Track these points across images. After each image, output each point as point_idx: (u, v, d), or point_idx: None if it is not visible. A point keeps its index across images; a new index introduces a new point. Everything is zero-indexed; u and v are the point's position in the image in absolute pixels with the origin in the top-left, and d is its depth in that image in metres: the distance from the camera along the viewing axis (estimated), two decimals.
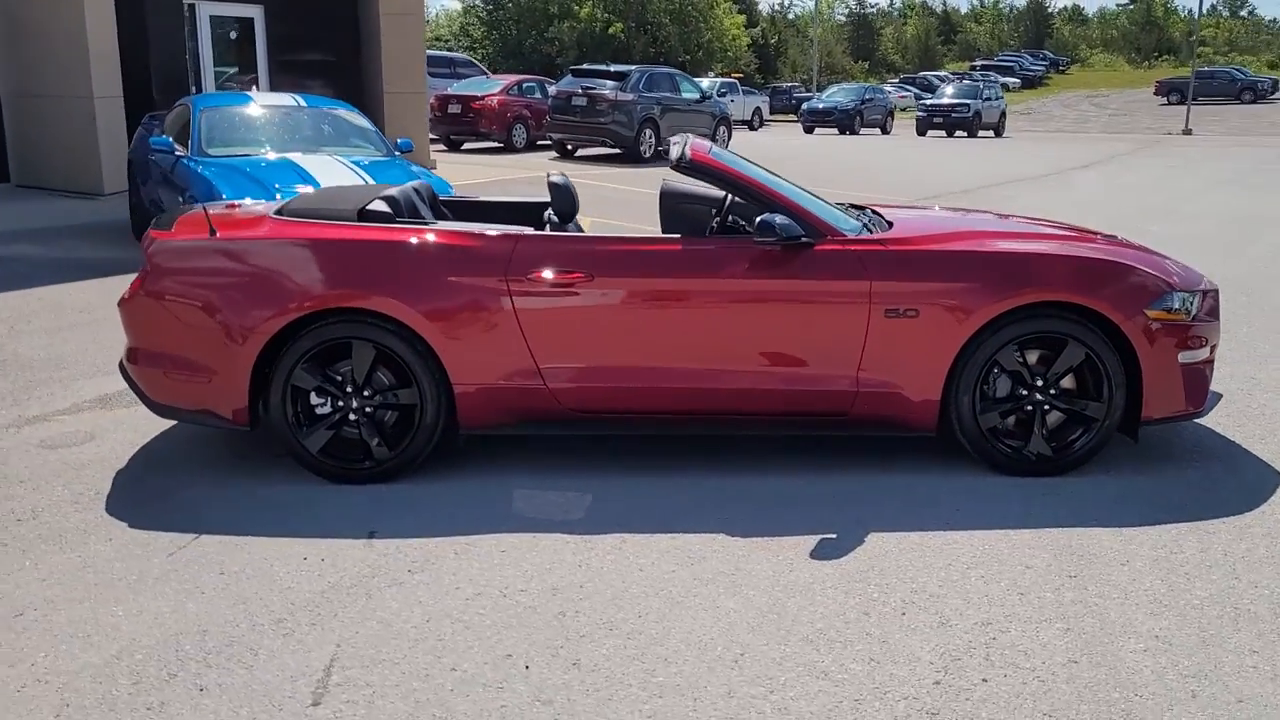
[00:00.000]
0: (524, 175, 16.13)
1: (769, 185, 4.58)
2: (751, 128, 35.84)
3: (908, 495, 4.27)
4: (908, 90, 50.63)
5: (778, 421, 4.49)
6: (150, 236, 4.50)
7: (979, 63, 64.93)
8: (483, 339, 4.28)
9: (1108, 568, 3.62)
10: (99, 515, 4.05)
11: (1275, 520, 4.02)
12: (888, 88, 44.49)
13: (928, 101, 34.79)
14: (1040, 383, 4.38)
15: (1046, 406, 4.41)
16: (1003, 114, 33.93)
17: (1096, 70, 74.00)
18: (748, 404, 4.41)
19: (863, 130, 33.74)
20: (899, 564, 3.66)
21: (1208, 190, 16.65)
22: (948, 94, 34.23)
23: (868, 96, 35.33)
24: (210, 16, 13.77)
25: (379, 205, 4.53)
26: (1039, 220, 5.49)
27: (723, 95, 29.68)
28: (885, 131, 34.46)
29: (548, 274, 4.25)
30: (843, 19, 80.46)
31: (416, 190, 5.10)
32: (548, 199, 5.55)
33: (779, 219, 4.27)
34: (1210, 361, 4.57)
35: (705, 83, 25.83)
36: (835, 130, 33.26)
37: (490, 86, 21.46)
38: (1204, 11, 49.30)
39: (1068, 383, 4.44)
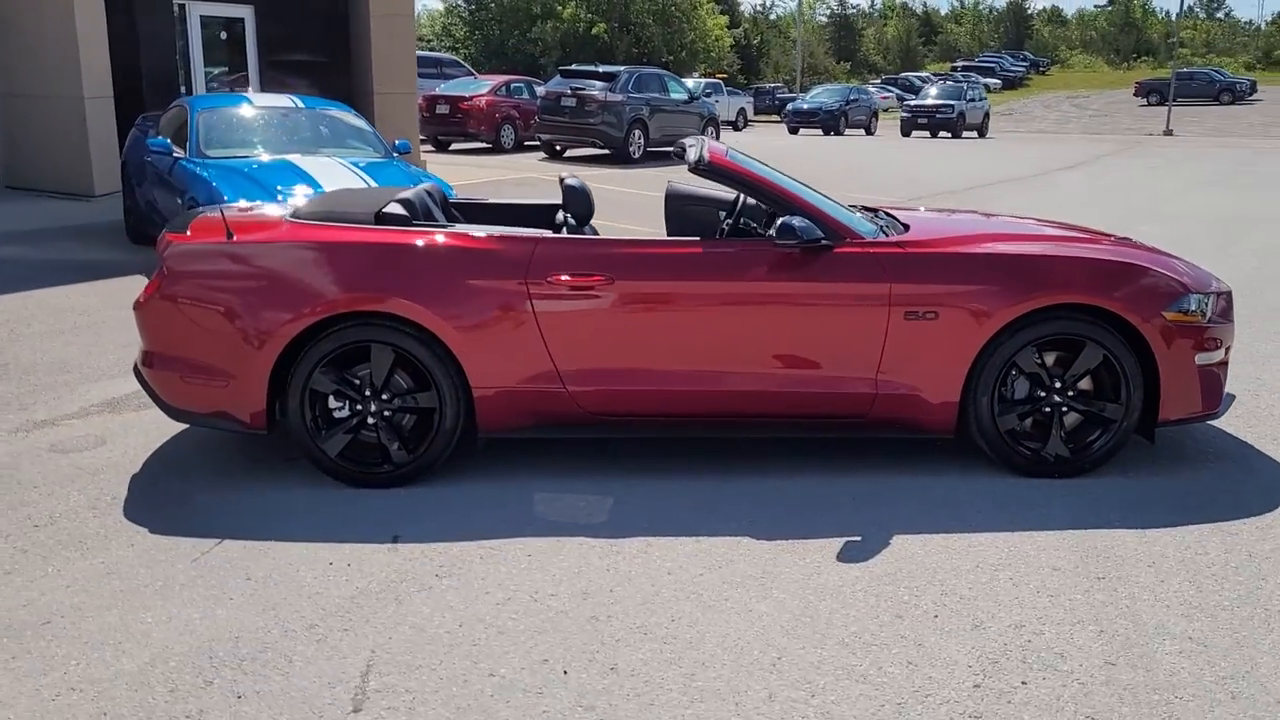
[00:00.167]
0: (514, 176, 16.10)
1: (787, 188, 4.58)
2: (736, 128, 35.85)
3: (926, 496, 4.28)
4: (890, 91, 50.81)
5: (796, 424, 4.49)
6: (166, 239, 4.47)
7: (960, 63, 65.19)
8: (502, 342, 4.26)
9: (1135, 569, 3.64)
10: (118, 520, 4.02)
11: None
12: (870, 88, 44.61)
13: (912, 102, 34.92)
14: (1059, 384, 4.40)
15: (1065, 408, 4.43)
16: (986, 115, 34.09)
17: (1076, 71, 74.41)
18: (766, 406, 4.41)
19: (847, 131, 33.82)
20: (926, 566, 3.67)
21: (1192, 190, 16.78)
22: (932, 95, 34.36)
23: (852, 97, 35.43)
24: (200, 16, 13.67)
25: (395, 208, 4.51)
26: (1050, 222, 5.51)
27: (708, 96, 29.65)
28: (870, 132, 34.56)
29: (568, 277, 4.24)
30: (824, 20, 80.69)
31: (429, 193, 5.08)
32: (557, 201, 5.56)
33: (799, 221, 4.28)
34: (1225, 363, 4.60)
35: (690, 83, 25.78)
36: (820, 131, 33.34)
37: (478, 87, 21.42)
38: (1181, 13, 49.72)
39: (1085, 384, 4.46)
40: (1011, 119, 44.59)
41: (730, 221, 5.12)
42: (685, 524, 4.01)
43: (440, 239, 4.33)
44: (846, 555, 3.75)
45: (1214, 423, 5.00)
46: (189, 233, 4.48)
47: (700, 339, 4.32)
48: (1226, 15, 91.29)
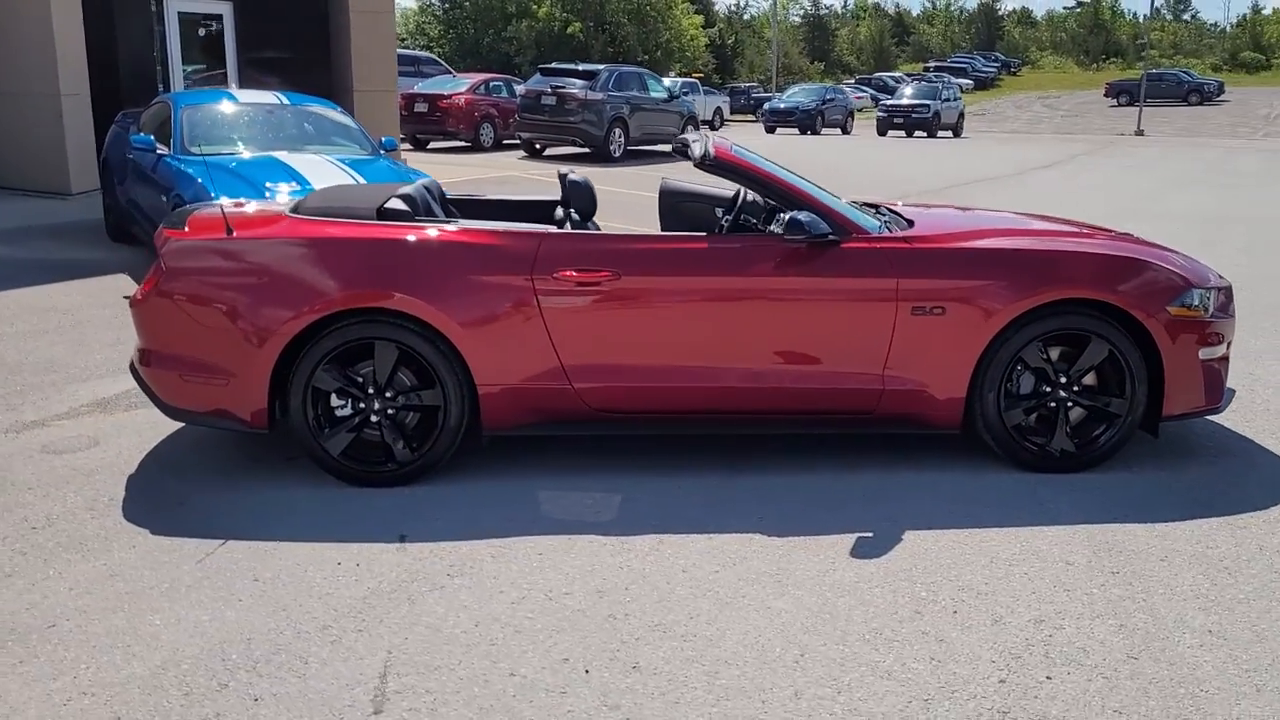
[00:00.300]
0: (495, 174, 16.03)
1: (793, 183, 4.56)
2: (713, 127, 35.82)
3: (935, 492, 4.27)
4: (864, 91, 51.01)
5: (803, 420, 4.47)
6: (164, 236, 4.39)
7: (932, 64, 65.54)
8: (508, 339, 4.22)
9: (1147, 563, 3.64)
10: (117, 522, 3.94)
11: None
12: (845, 88, 44.75)
13: (888, 102, 35.10)
14: (1064, 379, 4.40)
15: (1070, 403, 4.44)
16: (961, 115, 34.31)
17: (1047, 72, 75.00)
18: (773, 402, 4.39)
19: (824, 130, 33.92)
20: (940, 561, 3.65)
21: (1171, 190, 16.94)
22: (907, 95, 34.54)
23: (828, 97, 35.54)
24: (179, 13, 13.50)
25: (397, 203, 4.45)
26: (1050, 217, 5.52)
27: (685, 95, 29.64)
28: (846, 132, 34.68)
29: (574, 272, 4.20)
30: (798, 20, 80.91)
31: (428, 188, 5.02)
32: (554, 197, 5.52)
33: (806, 216, 4.26)
34: (1226, 358, 4.62)
35: (667, 82, 25.77)
36: (796, 130, 33.39)
37: (457, 85, 21.31)
38: (1149, 15, 50.22)
39: (1089, 379, 4.46)
40: (985, 119, 44.89)
41: (730, 217, 5.09)
42: (695, 521, 3.98)
43: (445, 234, 4.28)
44: (860, 551, 3.73)
45: (1213, 418, 5.02)
46: (187, 229, 4.41)
47: (707, 335, 4.29)
48: (1193, 17, 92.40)
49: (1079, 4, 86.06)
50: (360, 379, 4.25)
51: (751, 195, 5.05)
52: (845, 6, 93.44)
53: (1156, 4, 52.64)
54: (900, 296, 4.27)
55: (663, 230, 5.49)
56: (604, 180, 15.53)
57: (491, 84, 21.84)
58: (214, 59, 14.17)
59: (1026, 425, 4.47)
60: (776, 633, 3.18)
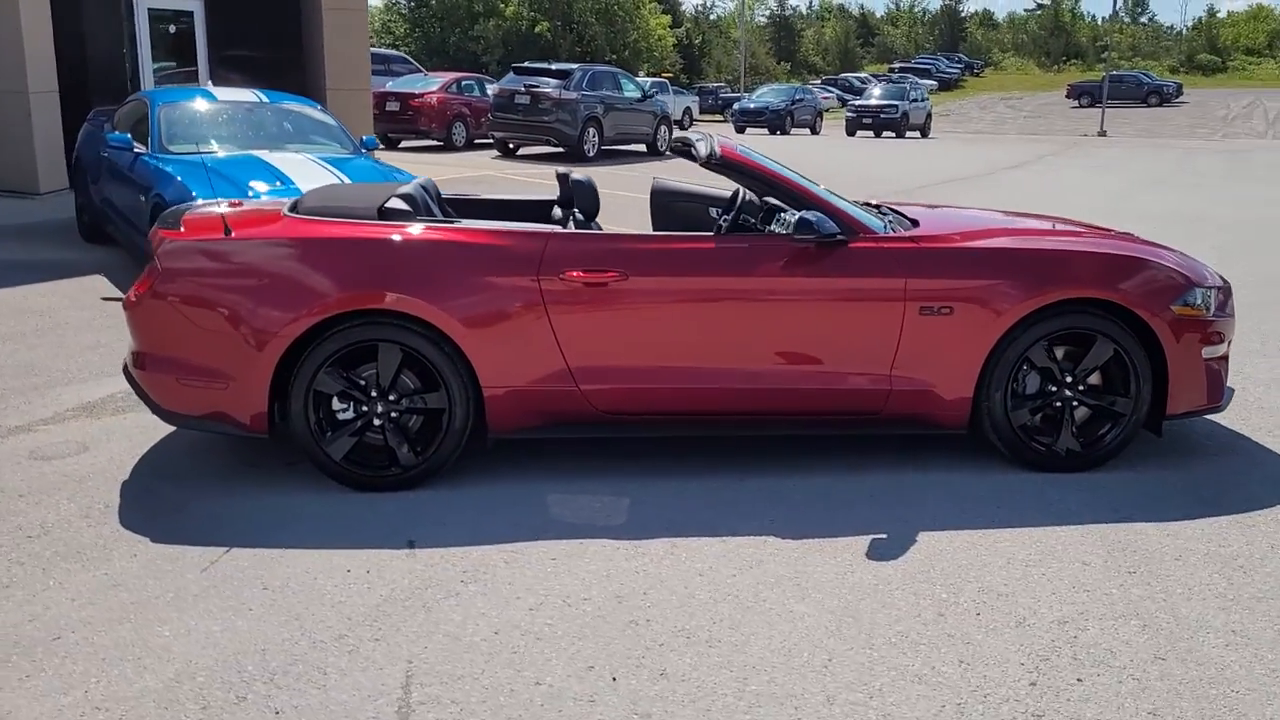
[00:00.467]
0: (471, 174, 15.91)
1: (800, 183, 4.54)
2: (682, 127, 35.78)
3: (943, 492, 4.25)
4: (830, 91, 51.22)
5: (810, 421, 4.44)
6: (159, 236, 4.28)
7: (897, 65, 65.96)
8: (514, 340, 4.15)
9: (1163, 563, 3.64)
10: (115, 529, 3.84)
11: None
12: (813, 88, 44.92)
13: (857, 102, 35.24)
14: (1069, 379, 4.40)
15: (1075, 402, 4.44)
16: (929, 115, 34.53)
17: (1009, 73, 75.70)
18: (781, 403, 4.36)
19: (793, 130, 33.99)
20: (958, 563, 3.63)
21: (1140, 190, 17.10)
22: (875, 95, 34.71)
23: (798, 97, 35.63)
24: (149, 10, 13.26)
25: (399, 203, 4.38)
26: (1051, 217, 5.53)
27: (656, 94, 29.57)
28: (815, 132, 34.77)
29: (581, 273, 4.14)
30: (764, 20, 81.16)
31: (425, 187, 4.94)
32: (549, 197, 5.46)
33: (815, 216, 4.23)
34: (1226, 357, 4.64)
35: (640, 81, 25.70)
36: (766, 130, 33.43)
37: (428, 84, 21.12)
38: (1108, 17, 50.84)
39: (1094, 379, 4.47)
40: (950, 120, 45.23)
41: (729, 217, 5.05)
42: (706, 523, 3.94)
43: (451, 234, 4.21)
44: (876, 553, 3.70)
45: (1210, 416, 5.05)
46: (182, 229, 4.30)
47: (715, 335, 4.25)
48: (1150, 20, 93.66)
49: (1039, 6, 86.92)
50: (363, 382, 4.17)
51: (749, 195, 5.01)
52: (810, 7, 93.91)
53: (1115, 7, 53.10)
54: (908, 296, 4.25)
55: (654, 230, 5.44)
56: None
57: (464, 83, 21.68)
58: (185, 57, 13.95)
59: (1032, 425, 4.46)
60: (802, 637, 3.14)
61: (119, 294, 7.56)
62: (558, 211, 5.29)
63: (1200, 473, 4.50)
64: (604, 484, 4.31)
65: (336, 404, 4.20)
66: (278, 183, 7.12)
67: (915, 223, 4.71)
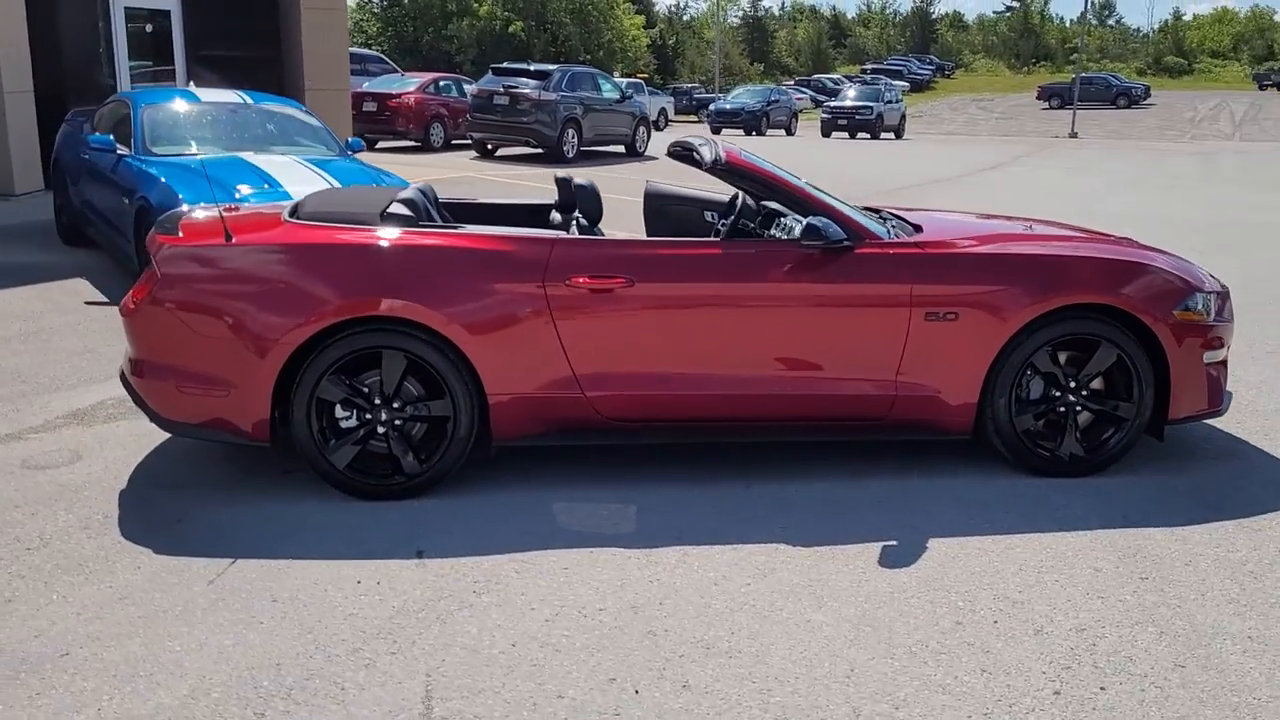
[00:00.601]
0: (452, 175, 15.79)
1: (805, 189, 4.52)
2: (658, 128, 35.69)
3: (950, 498, 4.25)
4: (804, 92, 51.38)
5: (815, 427, 4.43)
6: (157, 241, 4.21)
7: (869, 66, 66.27)
8: (519, 346, 4.11)
9: (1173, 569, 3.65)
10: (116, 541, 3.77)
11: None
12: (788, 89, 45.04)
13: (832, 104, 35.34)
14: (1073, 384, 4.42)
15: (1079, 408, 4.45)
16: (903, 117, 34.70)
17: (980, 75, 76.27)
18: (787, 409, 4.34)
19: (769, 131, 34.07)
20: (971, 570, 3.63)
21: (1116, 191, 17.24)
22: (850, 97, 34.83)
23: (773, 98, 35.72)
24: (125, 9, 13.07)
25: (401, 208, 4.33)
26: (1050, 222, 5.55)
27: (633, 95, 29.53)
28: (790, 133, 34.86)
29: (587, 279, 4.11)
30: (736, 21, 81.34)
31: (424, 192, 4.89)
32: (548, 201, 5.41)
33: (822, 222, 4.22)
34: (1225, 362, 4.68)
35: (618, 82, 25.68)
36: (742, 131, 33.49)
37: (405, 84, 20.98)
38: (1076, 19, 51.29)
39: (1097, 384, 4.48)
40: (923, 121, 45.49)
41: (728, 222, 5.03)
42: (715, 531, 3.92)
43: (455, 240, 4.16)
44: (889, 560, 3.69)
45: (1207, 421, 5.07)
46: (180, 234, 4.24)
47: (721, 341, 4.23)
48: (1118, 22, 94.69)
49: (1009, 8, 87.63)
50: (366, 389, 4.12)
51: (747, 199, 4.99)
52: (783, 8, 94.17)
53: (1084, 9, 53.65)
54: (914, 302, 4.25)
55: (648, 234, 5.42)
56: None
57: (441, 83, 21.55)
58: (161, 56, 13.77)
59: (1036, 430, 4.47)
60: (822, 647, 3.13)
61: (103, 298, 7.47)
62: (556, 216, 5.25)
63: (1201, 477, 4.53)
64: (609, 491, 4.28)
65: (340, 412, 4.15)
66: (264, 185, 7.03)
67: (918, 228, 4.72)
